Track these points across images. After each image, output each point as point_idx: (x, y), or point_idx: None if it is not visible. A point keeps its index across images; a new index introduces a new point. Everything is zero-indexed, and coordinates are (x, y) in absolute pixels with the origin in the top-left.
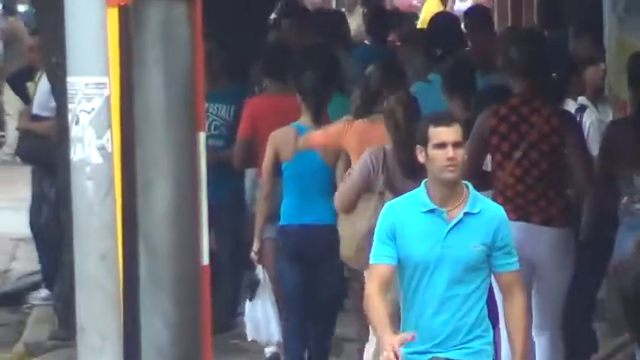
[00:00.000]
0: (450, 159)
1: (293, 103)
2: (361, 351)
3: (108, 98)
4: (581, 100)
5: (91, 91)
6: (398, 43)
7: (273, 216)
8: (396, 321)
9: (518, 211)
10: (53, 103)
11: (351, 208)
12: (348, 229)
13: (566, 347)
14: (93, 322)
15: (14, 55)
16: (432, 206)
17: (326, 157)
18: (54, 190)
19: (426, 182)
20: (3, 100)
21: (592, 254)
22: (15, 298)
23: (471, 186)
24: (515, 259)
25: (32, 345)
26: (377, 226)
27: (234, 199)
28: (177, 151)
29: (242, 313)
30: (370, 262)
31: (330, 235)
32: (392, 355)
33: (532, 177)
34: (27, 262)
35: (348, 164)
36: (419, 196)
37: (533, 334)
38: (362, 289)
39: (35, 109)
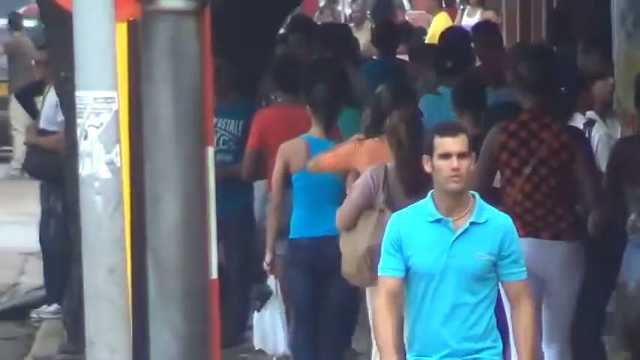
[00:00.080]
0: (454, 169)
1: (302, 114)
2: None
3: (116, 113)
4: (590, 114)
5: (100, 106)
6: (405, 57)
7: (282, 231)
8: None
9: (527, 227)
10: (60, 117)
11: (352, 225)
12: (349, 246)
13: None
14: (102, 336)
15: (19, 69)
16: (439, 216)
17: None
18: (60, 205)
19: (432, 192)
20: (10, 115)
21: (601, 268)
22: (24, 312)
23: (477, 196)
24: (523, 268)
25: (41, 359)
26: (384, 237)
27: (243, 214)
28: (185, 166)
29: (251, 327)
30: (378, 274)
31: None
32: None
33: (541, 193)
34: (36, 276)
35: (357, 178)
36: (425, 206)
37: (542, 346)
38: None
39: (42, 124)
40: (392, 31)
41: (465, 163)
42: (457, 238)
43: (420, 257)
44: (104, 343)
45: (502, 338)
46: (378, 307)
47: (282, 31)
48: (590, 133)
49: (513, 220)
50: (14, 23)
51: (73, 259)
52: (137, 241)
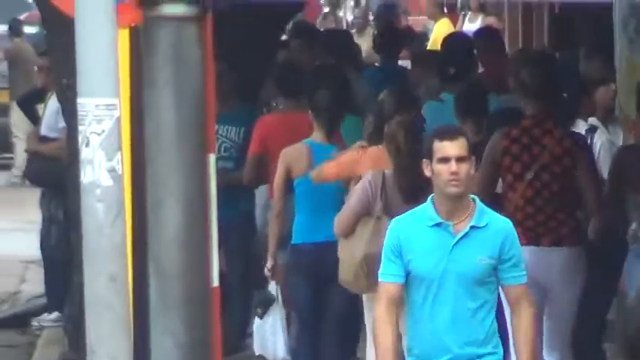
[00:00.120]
0: (453, 173)
1: (304, 120)
2: None
3: (118, 120)
4: (592, 120)
5: (102, 113)
6: (407, 63)
7: (284, 238)
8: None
9: (528, 233)
10: (61, 124)
11: (349, 232)
12: (346, 253)
13: None
14: (103, 343)
15: (20, 76)
16: (439, 220)
17: None
18: (61, 212)
19: (432, 196)
20: (11, 122)
21: (601, 274)
22: (25, 320)
23: (477, 199)
24: (523, 272)
25: None
26: (384, 243)
27: (244, 221)
28: (187, 173)
29: (251, 334)
30: (378, 280)
31: None
32: None
33: (542, 199)
34: (37, 284)
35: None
36: (426, 210)
37: (544, 354)
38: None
39: (43, 131)
40: (394, 37)
41: (464, 167)
42: (457, 242)
43: (420, 261)
44: (105, 351)
45: (502, 345)
46: (378, 314)
47: (284, 37)
48: (592, 139)
49: (514, 227)
50: (15, 29)
51: (74, 266)
52: (138, 248)
